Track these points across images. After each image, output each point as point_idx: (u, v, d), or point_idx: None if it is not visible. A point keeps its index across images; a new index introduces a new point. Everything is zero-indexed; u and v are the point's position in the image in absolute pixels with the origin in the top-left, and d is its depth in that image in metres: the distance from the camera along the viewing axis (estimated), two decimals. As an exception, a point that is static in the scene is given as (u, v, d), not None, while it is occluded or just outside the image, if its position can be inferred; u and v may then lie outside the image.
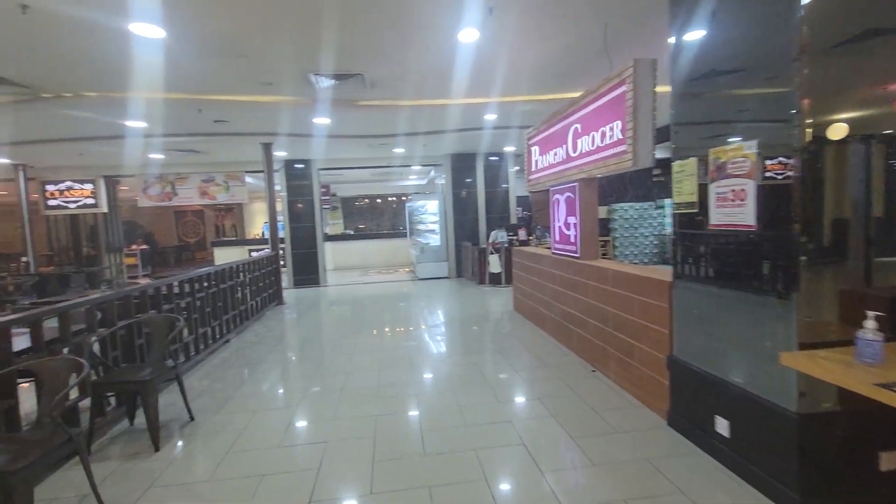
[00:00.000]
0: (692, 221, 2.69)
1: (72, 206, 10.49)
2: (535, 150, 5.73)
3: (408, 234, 13.55)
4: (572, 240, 4.73)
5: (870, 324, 1.73)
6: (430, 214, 11.41)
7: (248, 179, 11.05)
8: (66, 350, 3.11)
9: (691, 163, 2.67)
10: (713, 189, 2.48)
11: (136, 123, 6.46)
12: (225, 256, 12.59)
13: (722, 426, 2.52)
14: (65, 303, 3.04)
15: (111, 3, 3.20)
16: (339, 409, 3.60)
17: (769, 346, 2.19)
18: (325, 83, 5.09)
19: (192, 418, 3.49)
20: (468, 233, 10.95)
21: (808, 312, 2.02)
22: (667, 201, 11.30)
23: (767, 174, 2.17)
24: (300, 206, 10.65)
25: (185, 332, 4.80)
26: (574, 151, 4.52)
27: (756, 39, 2.23)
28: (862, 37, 2.02)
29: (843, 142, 1.99)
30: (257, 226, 18.50)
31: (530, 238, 10.17)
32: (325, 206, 12.85)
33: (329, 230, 15.90)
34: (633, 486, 2.42)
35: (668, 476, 2.48)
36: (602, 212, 5.28)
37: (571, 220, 4.72)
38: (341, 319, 7.27)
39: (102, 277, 10.40)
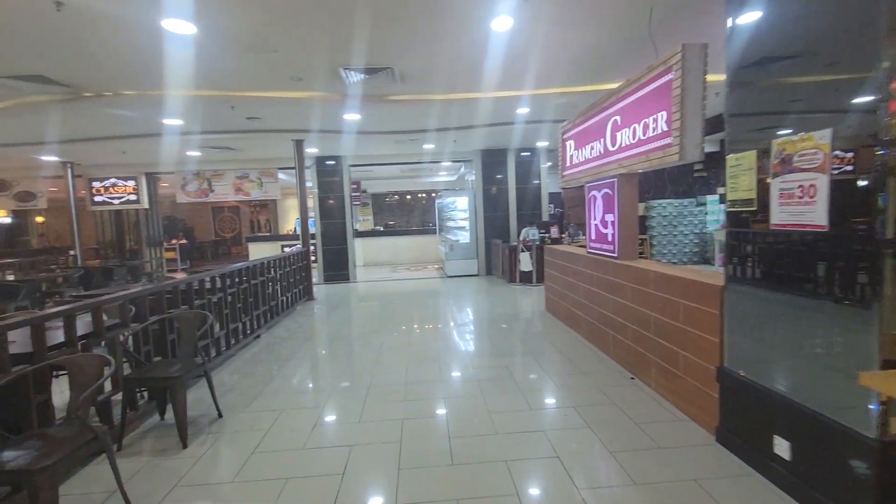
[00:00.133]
0: (750, 220, 2.44)
1: (116, 202, 10.92)
2: (570, 144, 5.48)
3: (437, 230, 13.46)
4: (610, 239, 4.49)
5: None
6: (460, 211, 11.27)
7: (281, 176, 11.21)
8: (103, 344, 3.15)
9: (750, 156, 2.41)
10: (776, 184, 2.23)
11: (172, 121, 6.60)
12: (259, 251, 12.85)
13: (782, 448, 2.27)
14: (97, 298, 3.07)
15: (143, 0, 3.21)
16: (366, 410, 3.51)
17: (844, 362, 1.94)
18: (355, 77, 5.02)
19: (220, 415, 3.48)
20: (498, 230, 10.74)
21: (894, 325, 1.77)
22: (709, 198, 10.78)
23: (841, 168, 1.91)
24: (331, 202, 10.71)
25: (217, 327, 4.85)
26: (613, 145, 4.27)
27: (833, 17, 1.97)
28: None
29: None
30: (290, 221, 18.84)
31: (563, 236, 9.89)
32: (355, 203, 12.92)
33: (359, 226, 16.00)
34: (680, 510, 2.21)
35: (718, 500, 2.26)
36: (639, 209, 5.00)
37: (609, 217, 4.48)
38: (370, 316, 7.23)
39: (143, 271, 10.80)
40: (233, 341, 5.13)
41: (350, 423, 3.32)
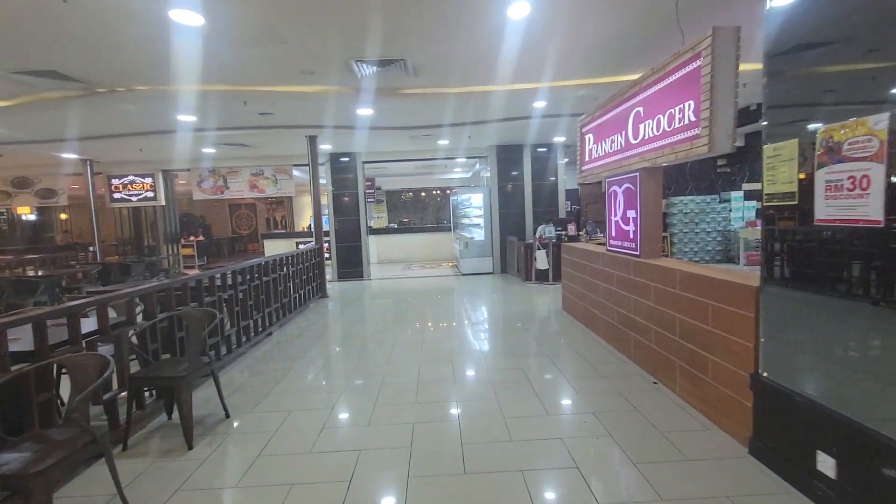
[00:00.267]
0: (790, 215, 2.24)
1: (134, 199, 11.04)
2: (589, 137, 5.27)
3: (452, 228, 13.31)
4: (631, 236, 4.28)
5: None
6: (475, 208, 11.10)
7: (296, 173, 11.19)
8: (111, 344, 3.09)
9: (791, 145, 2.21)
10: (821, 176, 2.03)
11: (186, 117, 6.58)
12: (274, 248, 12.91)
13: (826, 465, 2.07)
14: (102, 295, 3.01)
15: (150, -11, 3.13)
16: (375, 413, 3.40)
17: (900, 373, 1.74)
18: (367, 70, 4.89)
19: (227, 415, 3.40)
20: (514, 227, 10.55)
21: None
22: (733, 194, 10.40)
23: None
24: (345, 199, 10.65)
25: (228, 324, 4.80)
26: (635, 138, 4.07)
27: (891, -15, 1.76)
28: None
29: None
30: (306, 218, 18.91)
31: (580, 233, 9.65)
32: (369, 200, 12.85)
33: (374, 223, 15.95)
34: (712, 530, 2.04)
35: (754, 520, 2.07)
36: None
37: (631, 213, 4.27)
38: (383, 315, 7.13)
39: (160, 267, 10.91)
40: (244, 339, 5.08)
41: (359, 426, 3.21)
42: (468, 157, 11.62)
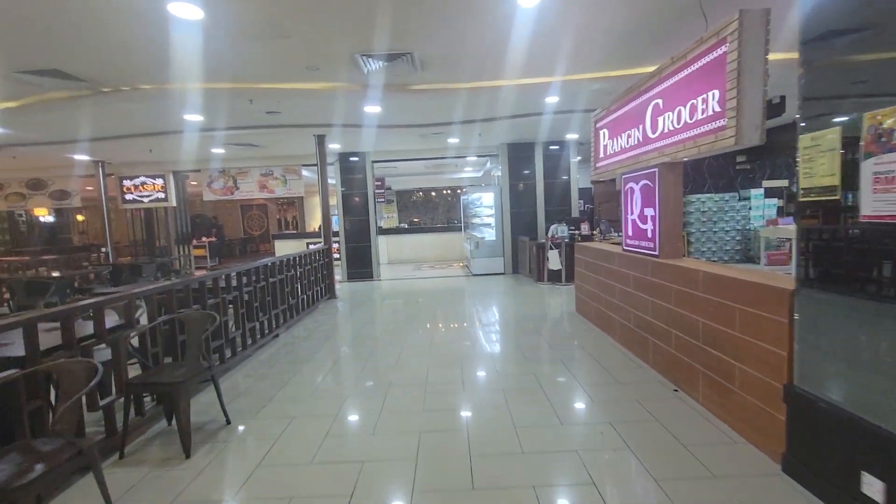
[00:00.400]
0: (831, 211, 2.03)
1: (145, 199, 11.09)
2: (604, 133, 5.07)
3: (462, 227, 13.15)
4: (650, 235, 4.08)
5: None
6: (486, 207, 10.92)
7: (305, 173, 11.13)
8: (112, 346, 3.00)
9: (832, 134, 2.00)
10: (868, 167, 1.83)
11: (193, 117, 6.53)
12: (285, 248, 12.88)
13: (873, 488, 1.87)
14: (99, 298, 2.91)
15: (147, -18, 3.03)
16: (381, 420, 3.25)
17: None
18: (373, 65, 4.76)
19: (228, 421, 3.29)
20: (525, 227, 10.34)
21: None
22: (753, 192, 10.06)
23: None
24: (355, 199, 10.56)
25: (232, 326, 4.70)
26: (653, 132, 3.86)
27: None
28: None
29: None
30: (317, 219, 18.87)
31: (594, 233, 9.42)
32: (379, 200, 12.75)
33: (384, 223, 15.86)
34: (746, 559, 1.85)
35: (792, 548, 1.88)
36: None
37: (649, 211, 4.07)
38: (391, 316, 7.01)
39: (172, 268, 10.93)
40: (249, 341, 4.98)
41: (364, 435, 3.07)
42: (479, 156, 11.44)
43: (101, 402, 2.88)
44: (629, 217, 4.51)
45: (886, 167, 1.74)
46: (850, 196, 1.92)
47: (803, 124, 2.17)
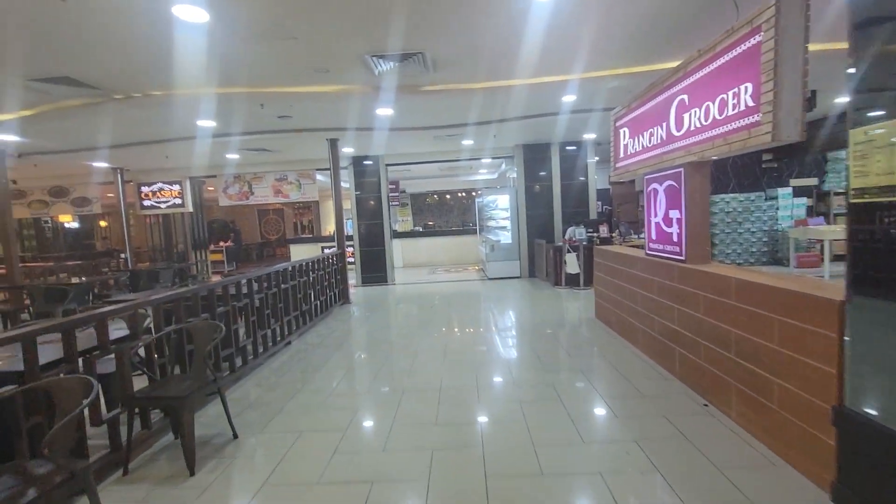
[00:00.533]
0: (890, 213, 1.82)
1: (163, 205, 11.21)
2: (624, 132, 4.85)
3: (477, 230, 12.97)
4: (675, 239, 3.85)
5: None
6: (501, 210, 10.73)
7: (319, 177, 11.12)
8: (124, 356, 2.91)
9: (892, 126, 1.78)
10: (935, 165, 1.61)
11: (205, 122, 6.51)
12: (300, 253, 12.89)
13: (944, 528, 1.65)
14: (101, 309, 2.83)
15: (151, -16, 2.96)
16: (392, 435, 3.11)
17: None
18: (384, 66, 4.64)
19: (235, 435, 3.19)
20: (542, 229, 10.11)
21: None
22: (780, 191, 9.66)
23: None
24: (369, 202, 10.48)
25: (243, 335, 4.62)
26: (678, 129, 3.65)
27: None
28: None
29: None
30: (332, 223, 18.91)
31: (612, 235, 9.16)
32: (393, 203, 12.66)
33: (398, 227, 15.78)
34: None
35: None
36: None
37: (674, 214, 3.85)
38: (405, 322, 6.87)
39: (189, 273, 11.02)
40: (261, 349, 4.89)
41: (374, 452, 2.92)
42: (494, 158, 11.26)
43: (105, 416, 2.80)
44: (652, 220, 4.28)
45: (959, 164, 1.53)
46: (911, 197, 1.70)
47: (854, 118, 1.95)
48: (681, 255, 3.75)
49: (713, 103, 3.12)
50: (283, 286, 5.60)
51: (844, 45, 1.97)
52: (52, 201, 11.14)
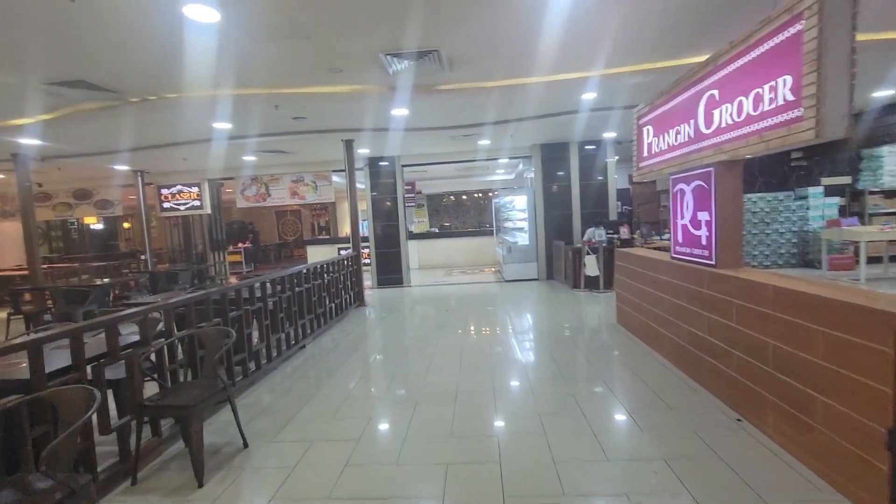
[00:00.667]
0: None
1: (182, 207, 11.33)
2: (648, 130, 4.65)
3: (494, 231, 12.81)
4: (704, 242, 3.65)
5: None
6: (519, 211, 10.54)
7: (335, 178, 11.10)
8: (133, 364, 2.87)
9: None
10: None
11: (221, 125, 6.51)
12: (317, 254, 12.91)
13: None
14: (111, 315, 2.79)
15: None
16: (406, 447, 2.99)
17: None
18: (399, 65, 4.54)
19: (245, 444, 3.11)
20: (560, 231, 9.90)
21: None
22: (811, 190, 9.26)
23: None
24: (385, 204, 10.41)
25: (255, 339, 4.57)
26: (707, 127, 3.45)
27: None
28: None
29: None
30: (348, 224, 18.98)
31: (633, 236, 8.90)
32: (409, 204, 12.59)
33: (414, 228, 15.71)
34: None
35: None
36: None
37: (703, 216, 3.64)
38: (421, 326, 6.76)
39: (208, 274, 11.12)
40: (274, 353, 4.84)
41: (386, 465, 2.81)
42: (511, 158, 11.09)
43: (114, 425, 2.75)
44: (679, 222, 4.08)
45: None
46: None
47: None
48: (710, 260, 3.55)
49: (746, 98, 2.92)
50: (297, 289, 5.54)
51: (885, 35, 1.78)
52: (75, 203, 11.37)
